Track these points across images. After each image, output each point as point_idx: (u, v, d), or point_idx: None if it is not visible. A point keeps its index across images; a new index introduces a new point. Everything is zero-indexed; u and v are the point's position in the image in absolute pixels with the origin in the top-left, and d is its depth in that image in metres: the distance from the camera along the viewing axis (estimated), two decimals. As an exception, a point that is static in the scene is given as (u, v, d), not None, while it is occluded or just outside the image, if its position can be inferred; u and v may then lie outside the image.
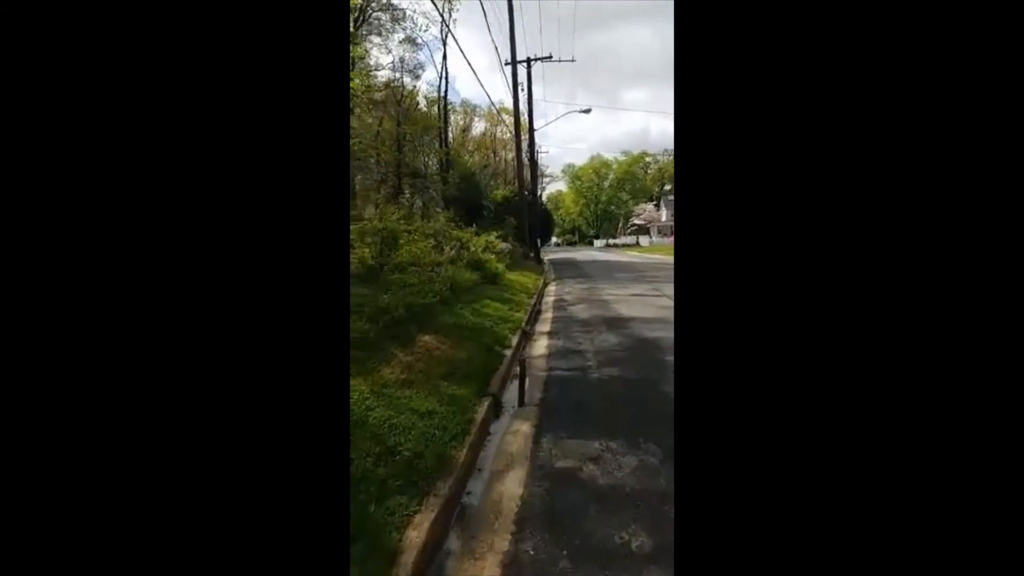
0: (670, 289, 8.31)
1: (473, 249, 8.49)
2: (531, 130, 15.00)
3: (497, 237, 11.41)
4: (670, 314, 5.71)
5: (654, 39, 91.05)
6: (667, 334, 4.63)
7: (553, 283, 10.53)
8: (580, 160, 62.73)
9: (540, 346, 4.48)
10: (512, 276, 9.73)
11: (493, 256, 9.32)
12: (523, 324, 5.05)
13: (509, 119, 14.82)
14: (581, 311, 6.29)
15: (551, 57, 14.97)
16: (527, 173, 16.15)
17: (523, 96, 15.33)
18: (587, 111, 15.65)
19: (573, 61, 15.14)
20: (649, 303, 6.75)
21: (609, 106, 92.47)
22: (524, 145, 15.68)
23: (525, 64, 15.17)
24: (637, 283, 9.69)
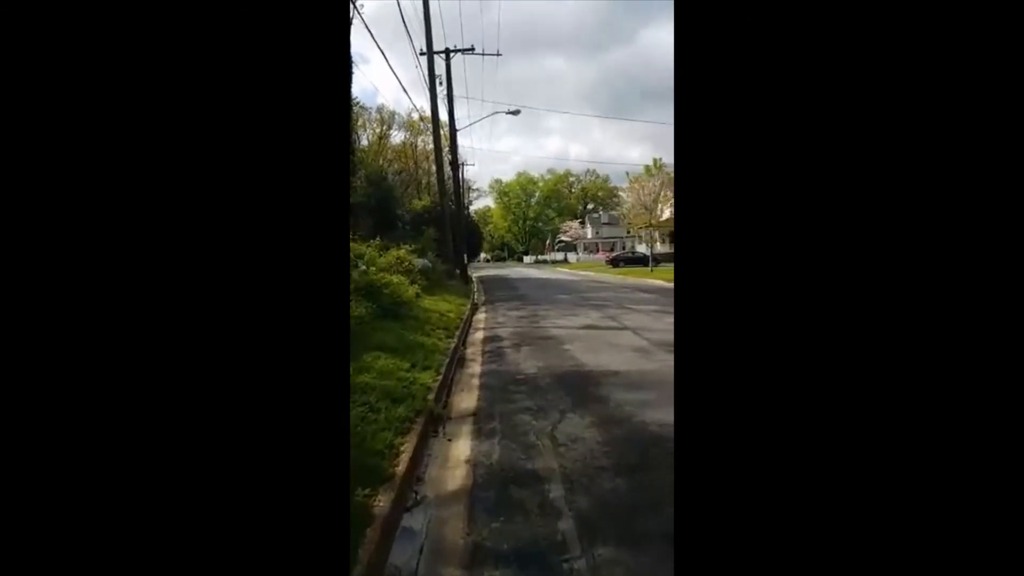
0: (628, 318, 6.66)
1: (370, 269, 6.05)
2: (452, 128, 13.05)
3: (411, 252, 9.10)
4: (651, 363, 3.92)
5: (569, 70, 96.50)
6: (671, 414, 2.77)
7: (483, 309, 8.46)
8: (506, 178, 62.29)
9: (454, 467, 2.24)
10: (429, 302, 7.49)
11: (397, 278, 7.03)
12: (428, 404, 2.87)
13: (431, 126, 12.81)
14: (524, 360, 4.27)
15: (473, 49, 13.27)
16: (451, 180, 14.08)
17: (443, 94, 13.38)
18: (516, 112, 14.22)
19: (499, 55, 13.68)
20: (613, 342, 4.95)
21: (531, 130, 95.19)
22: (447, 150, 13.66)
23: (444, 56, 13.28)
24: (584, 308, 7.98)
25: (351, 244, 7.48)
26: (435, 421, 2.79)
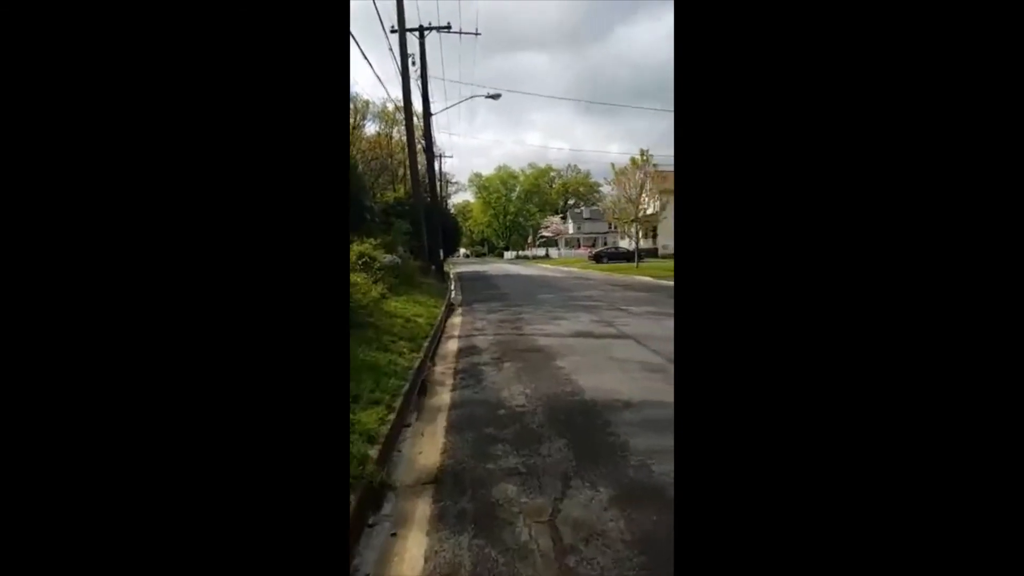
0: (625, 322, 5.83)
1: None
2: (426, 111, 11.93)
3: (377, 246, 8.03)
4: (672, 388, 3.06)
5: (552, 66, 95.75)
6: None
7: (460, 312, 7.50)
8: (486, 172, 60.99)
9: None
10: (396, 304, 6.49)
11: (360, 277, 5.99)
12: (366, 468, 1.89)
13: (411, 121, 11.59)
14: (507, 384, 3.35)
15: (449, 27, 12.17)
16: (427, 169, 12.98)
17: (417, 77, 12.25)
18: (496, 96, 13.19)
19: (478, 34, 12.58)
20: (615, 355, 4.08)
21: (512, 125, 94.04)
22: (421, 137, 12.54)
23: (418, 35, 12.14)
24: (572, 309, 7.12)
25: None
26: (374, 499, 1.84)
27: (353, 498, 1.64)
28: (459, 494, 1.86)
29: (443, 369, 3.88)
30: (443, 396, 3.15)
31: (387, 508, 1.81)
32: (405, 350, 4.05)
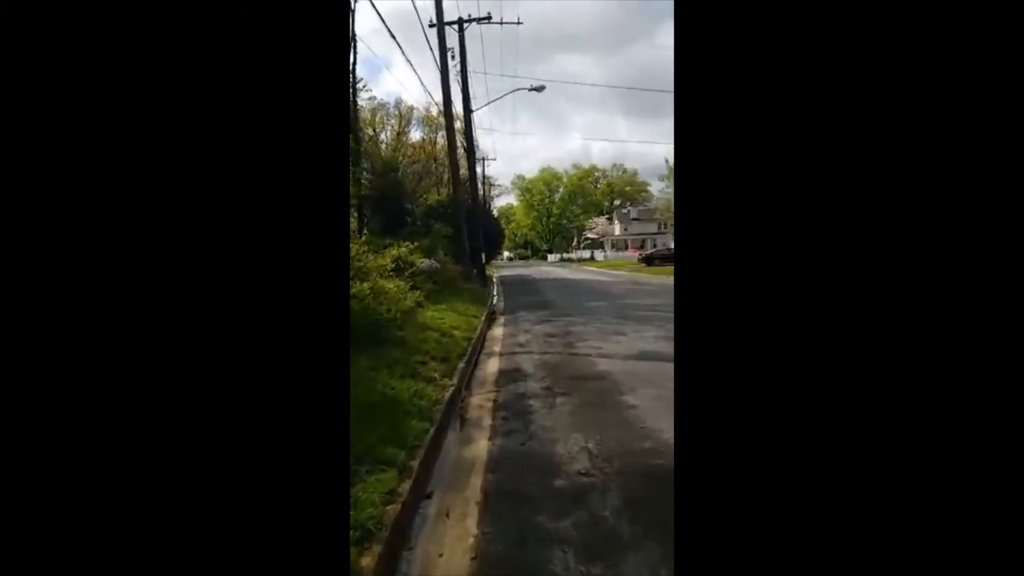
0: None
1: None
2: (466, 108, 11.40)
3: (413, 250, 7.52)
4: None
5: (594, 68, 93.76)
6: None
7: (501, 322, 6.78)
8: (529, 175, 60.30)
9: None
10: (433, 313, 5.90)
11: (394, 284, 5.43)
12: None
13: (451, 118, 11.09)
14: (562, 431, 2.55)
15: (489, 18, 11.57)
16: (466, 172, 12.47)
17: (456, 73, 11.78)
18: (540, 88, 12.38)
19: (519, 23, 11.84)
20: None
21: (555, 128, 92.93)
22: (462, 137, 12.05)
23: (456, 28, 11.66)
24: (631, 321, 6.17)
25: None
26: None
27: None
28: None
29: (480, 401, 3.15)
30: (478, 445, 2.41)
31: None
32: (436, 374, 3.37)
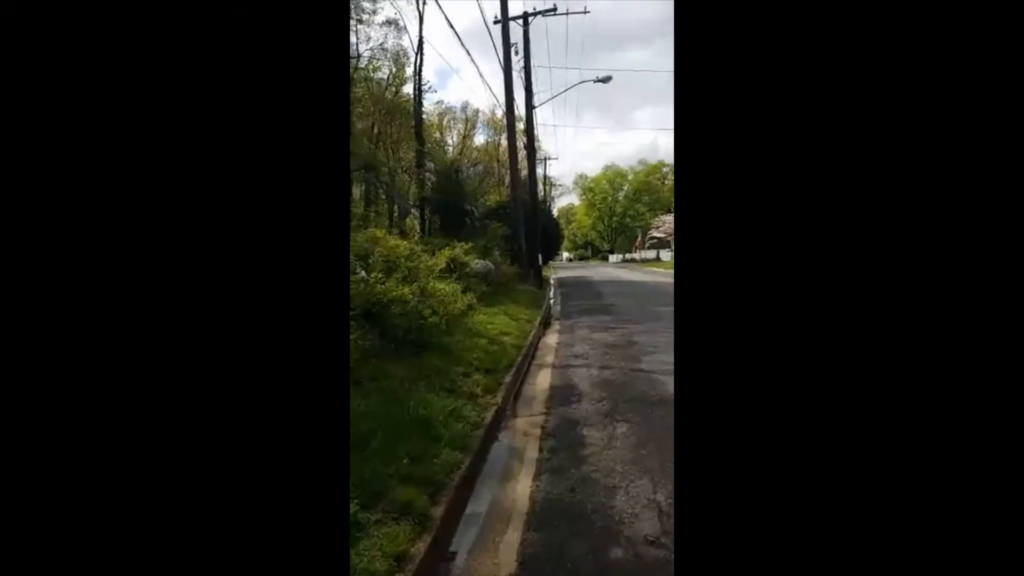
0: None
1: (372, 277, 3.88)
2: (528, 104, 11.03)
3: (468, 250, 7.31)
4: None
5: (653, 61, 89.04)
6: None
7: (556, 328, 6.33)
8: (593, 174, 58.63)
9: None
10: (485, 317, 5.62)
11: (449, 286, 5.22)
12: None
13: (512, 115, 10.80)
14: (623, 472, 2.06)
15: (555, 10, 11.10)
16: (527, 174, 12.12)
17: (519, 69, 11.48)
18: (607, 80, 11.63)
19: (586, 12, 11.15)
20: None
21: (618, 125, 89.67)
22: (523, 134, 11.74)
23: (521, 22, 11.36)
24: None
25: (398, 241, 5.93)
26: None
27: None
28: None
29: (526, 426, 2.75)
30: (520, 487, 2.01)
31: None
32: (479, 389, 3.03)
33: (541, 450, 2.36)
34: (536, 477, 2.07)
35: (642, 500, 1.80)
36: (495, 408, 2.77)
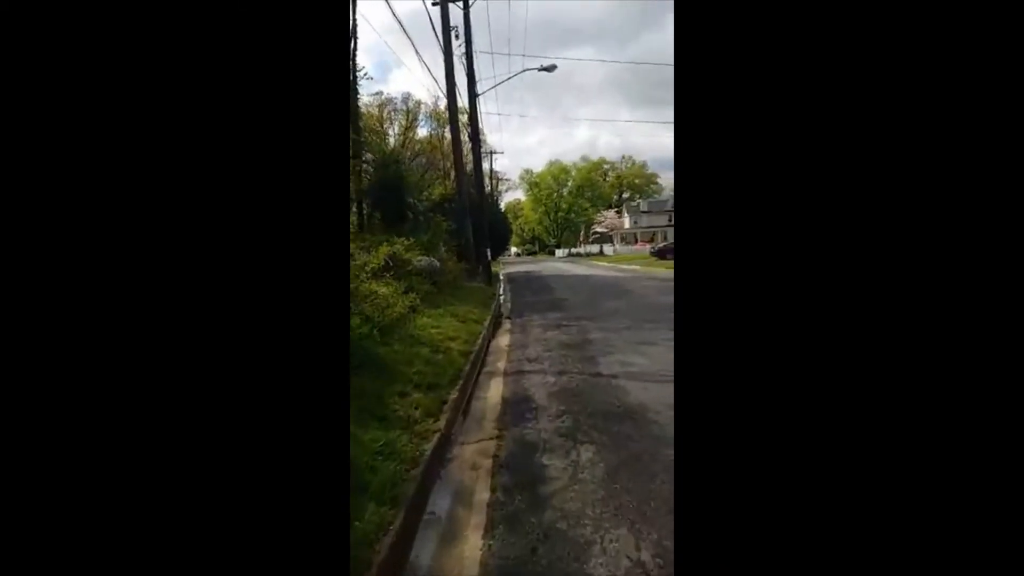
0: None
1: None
2: (471, 92, 10.48)
3: (410, 246, 6.69)
4: None
5: (594, 66, 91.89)
6: None
7: (507, 327, 5.93)
8: (537, 170, 59.02)
9: None
10: (429, 320, 5.09)
11: (387, 287, 4.63)
12: None
13: (454, 98, 10.10)
14: (595, 518, 1.69)
15: (497, -6, 10.57)
16: (472, 167, 11.57)
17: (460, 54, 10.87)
18: (551, 68, 11.35)
19: None
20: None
21: (561, 121, 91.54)
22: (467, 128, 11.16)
23: (461, 4, 10.75)
24: (657, 326, 5.24)
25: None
26: None
27: None
28: None
29: (475, 455, 2.31)
30: (465, 548, 1.57)
31: None
32: (419, 412, 2.54)
33: (493, 489, 1.93)
34: (488, 532, 1.64)
35: (623, 561, 1.44)
36: (437, 436, 2.30)
